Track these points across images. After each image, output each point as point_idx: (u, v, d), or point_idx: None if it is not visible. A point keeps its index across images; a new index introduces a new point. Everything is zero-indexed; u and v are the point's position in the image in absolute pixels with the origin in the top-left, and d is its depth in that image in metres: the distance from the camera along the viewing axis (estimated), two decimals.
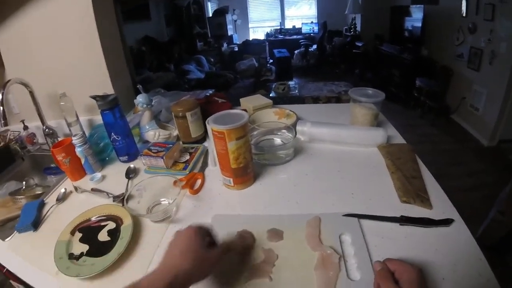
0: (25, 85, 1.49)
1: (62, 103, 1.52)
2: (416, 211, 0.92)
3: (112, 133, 1.28)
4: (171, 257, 0.65)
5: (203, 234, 0.71)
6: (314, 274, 0.73)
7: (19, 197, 1.31)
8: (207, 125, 0.99)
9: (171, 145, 1.26)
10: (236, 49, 8.68)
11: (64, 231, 0.95)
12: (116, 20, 1.82)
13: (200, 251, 0.66)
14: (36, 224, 1.03)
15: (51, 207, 1.12)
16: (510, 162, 3.68)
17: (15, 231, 1.02)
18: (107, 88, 1.69)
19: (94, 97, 1.24)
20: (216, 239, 0.76)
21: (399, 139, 1.37)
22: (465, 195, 3.10)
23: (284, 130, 1.32)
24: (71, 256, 0.87)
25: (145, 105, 1.40)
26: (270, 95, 4.43)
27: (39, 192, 1.37)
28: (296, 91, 4.50)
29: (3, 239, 1.01)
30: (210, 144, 1.11)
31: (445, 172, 3.54)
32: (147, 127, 1.42)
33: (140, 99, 1.39)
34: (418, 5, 5.69)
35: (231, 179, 1.06)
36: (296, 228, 0.87)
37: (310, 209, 0.96)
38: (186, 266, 0.62)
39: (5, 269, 0.93)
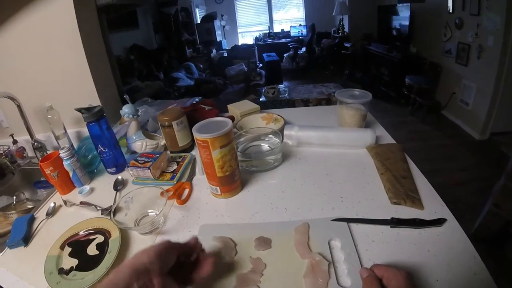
0: (13, 99, 1.48)
1: (49, 116, 1.51)
2: (407, 212, 0.91)
3: (99, 145, 1.27)
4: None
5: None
6: (303, 282, 0.72)
7: (10, 212, 1.30)
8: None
9: (158, 155, 1.25)
10: (225, 54, 8.69)
11: (53, 246, 0.94)
12: (101, 30, 1.81)
13: (160, 245, 0.65)
14: (26, 239, 1.02)
15: (41, 221, 1.10)
16: (502, 154, 3.71)
17: (6, 247, 1.00)
18: (93, 99, 1.68)
19: (79, 110, 1.23)
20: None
21: (388, 139, 1.37)
22: (459, 189, 3.11)
23: (271, 135, 1.31)
24: (61, 271, 0.86)
25: (131, 116, 1.38)
26: (260, 99, 4.44)
27: (30, 207, 1.36)
28: (286, 94, 4.52)
29: None
30: (197, 152, 1.10)
31: (438, 168, 3.56)
32: (134, 138, 1.40)
33: (126, 109, 1.38)
34: (404, 4, 5.75)
35: (218, 188, 1.05)
36: (284, 235, 0.86)
37: (299, 215, 0.95)
38: (145, 258, 0.60)
39: None
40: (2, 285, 0.88)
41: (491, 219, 2.26)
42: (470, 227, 2.34)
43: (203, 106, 1.62)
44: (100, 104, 1.33)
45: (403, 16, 5.90)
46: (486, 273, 0.71)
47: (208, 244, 0.87)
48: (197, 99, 1.80)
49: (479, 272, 0.71)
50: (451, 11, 4.57)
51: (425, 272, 0.72)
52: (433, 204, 0.93)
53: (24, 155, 1.69)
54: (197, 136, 0.95)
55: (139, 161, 1.22)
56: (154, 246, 0.64)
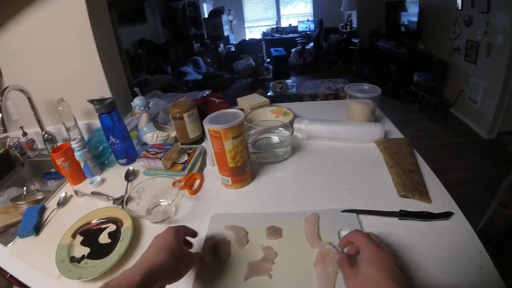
0: (23, 91, 1.49)
1: (60, 108, 1.52)
2: (415, 205, 0.92)
3: (111, 136, 1.29)
4: (147, 254, 0.68)
5: (181, 234, 0.75)
6: (313, 270, 0.73)
7: (20, 202, 1.31)
8: (204, 125, 0.99)
9: (169, 147, 1.26)
10: (233, 49, 8.68)
11: (65, 234, 0.96)
12: (111, 24, 1.82)
13: (174, 247, 0.69)
14: (37, 228, 1.04)
15: (52, 211, 1.12)
16: (509, 154, 3.68)
17: (17, 237, 1.02)
18: (104, 91, 1.70)
19: (91, 101, 1.24)
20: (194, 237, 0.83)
21: (396, 134, 1.37)
22: (465, 188, 3.10)
23: (281, 128, 1.32)
24: (73, 259, 0.87)
25: (142, 108, 1.40)
26: (268, 94, 4.43)
27: (40, 197, 1.37)
28: (294, 89, 4.51)
29: (5, 245, 1.02)
30: (208, 144, 1.11)
31: (444, 166, 3.54)
32: (145, 129, 1.42)
33: (137, 101, 1.39)
34: (413, 0, 5.68)
35: (229, 178, 1.07)
36: (294, 225, 0.88)
37: (309, 206, 0.97)
38: (160, 260, 0.64)
39: (9, 275, 0.93)
40: (13, 274, 0.90)
41: (497, 219, 2.25)
42: (475, 226, 2.34)
43: (213, 99, 1.63)
44: (111, 96, 1.34)
45: (411, 12, 5.85)
46: (492, 266, 0.71)
47: (220, 233, 0.89)
48: (207, 92, 1.82)
49: (485, 266, 0.72)
50: (460, 8, 4.52)
51: (432, 264, 0.73)
52: (440, 198, 0.94)
53: (34, 147, 1.71)
54: (210, 127, 0.96)
55: (151, 152, 1.24)
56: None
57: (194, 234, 0.82)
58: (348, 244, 0.71)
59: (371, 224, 0.86)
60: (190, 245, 0.82)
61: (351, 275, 0.62)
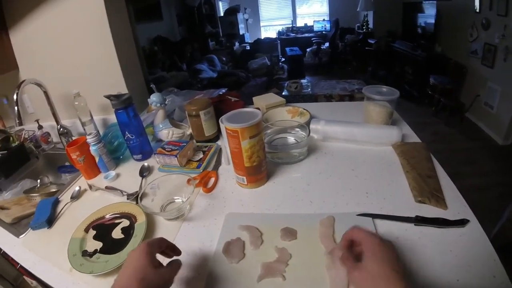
0: (39, 85, 1.51)
1: (76, 103, 1.54)
2: (430, 211, 0.91)
3: (126, 132, 1.30)
4: (119, 281, 0.63)
5: (153, 252, 0.69)
6: (327, 273, 0.73)
7: (33, 195, 1.32)
8: (220, 123, 0.98)
9: (184, 144, 1.27)
10: (248, 48, 8.68)
11: (78, 228, 0.97)
12: (128, 19, 1.83)
13: (146, 273, 0.63)
14: (50, 221, 1.05)
15: (66, 204, 1.13)
16: None
17: (30, 228, 1.04)
18: (120, 87, 1.71)
19: (108, 97, 1.25)
20: (172, 249, 0.76)
21: (413, 138, 1.35)
22: (479, 194, 3.05)
23: (297, 129, 1.31)
24: (85, 253, 0.88)
25: (158, 104, 1.40)
26: (283, 93, 4.41)
27: (54, 190, 1.39)
28: (309, 89, 4.48)
29: (18, 236, 1.03)
30: (223, 142, 1.11)
31: (459, 171, 3.49)
32: (161, 126, 1.43)
33: (154, 98, 1.39)
34: (430, 1, 5.62)
35: (245, 178, 1.06)
36: (309, 227, 0.87)
37: (324, 208, 0.96)
38: None
39: (19, 265, 0.94)
40: (24, 265, 0.91)
41: (510, 227, 2.21)
42: (488, 233, 2.29)
43: (229, 97, 1.63)
44: (128, 92, 1.35)
45: (428, 14, 5.76)
46: (505, 276, 0.70)
47: (234, 232, 0.89)
48: (223, 91, 1.82)
49: (498, 275, 0.70)
50: (477, 10, 4.43)
51: (447, 271, 0.72)
52: (456, 205, 0.92)
53: (49, 140, 1.74)
54: (227, 125, 0.96)
55: (166, 149, 1.24)
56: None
57: (172, 247, 0.76)
58: (349, 243, 0.68)
59: (387, 229, 0.86)
60: (169, 256, 0.76)
61: (353, 269, 0.62)
